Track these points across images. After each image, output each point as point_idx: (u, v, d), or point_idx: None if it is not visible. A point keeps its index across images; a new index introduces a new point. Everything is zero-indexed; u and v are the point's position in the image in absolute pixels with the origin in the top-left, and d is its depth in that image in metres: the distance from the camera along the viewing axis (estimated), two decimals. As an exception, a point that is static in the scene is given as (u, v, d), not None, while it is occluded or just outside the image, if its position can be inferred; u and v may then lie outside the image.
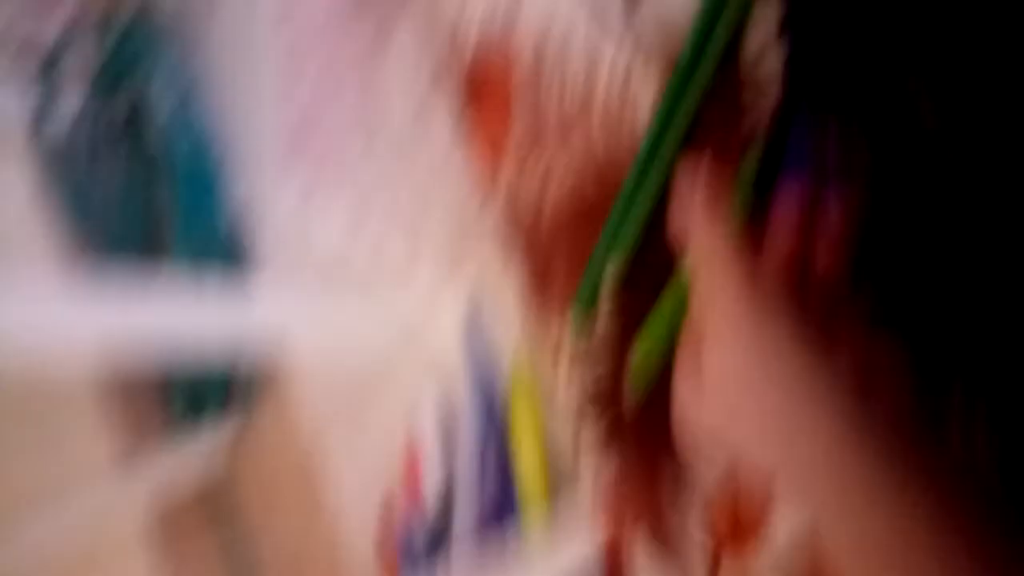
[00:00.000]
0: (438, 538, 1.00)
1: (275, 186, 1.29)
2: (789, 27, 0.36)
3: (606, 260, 0.42)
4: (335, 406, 1.24)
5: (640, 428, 0.44)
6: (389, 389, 1.17)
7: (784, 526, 0.39)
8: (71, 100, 1.35)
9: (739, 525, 0.40)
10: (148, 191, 1.36)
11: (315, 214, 1.23)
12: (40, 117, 1.26)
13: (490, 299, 1.05)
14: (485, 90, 0.50)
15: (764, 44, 0.36)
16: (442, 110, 1.08)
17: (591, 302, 0.44)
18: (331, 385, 1.24)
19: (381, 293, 1.09)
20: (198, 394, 1.33)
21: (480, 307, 1.03)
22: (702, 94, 0.38)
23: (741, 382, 0.32)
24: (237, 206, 1.34)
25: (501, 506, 0.94)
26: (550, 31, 0.45)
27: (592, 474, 0.50)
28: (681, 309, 0.39)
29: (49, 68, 1.32)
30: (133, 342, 0.84)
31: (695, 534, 0.43)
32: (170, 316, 0.84)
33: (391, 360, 1.14)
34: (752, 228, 0.34)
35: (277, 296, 1.11)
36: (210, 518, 1.37)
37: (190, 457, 1.30)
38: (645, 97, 0.41)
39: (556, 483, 0.98)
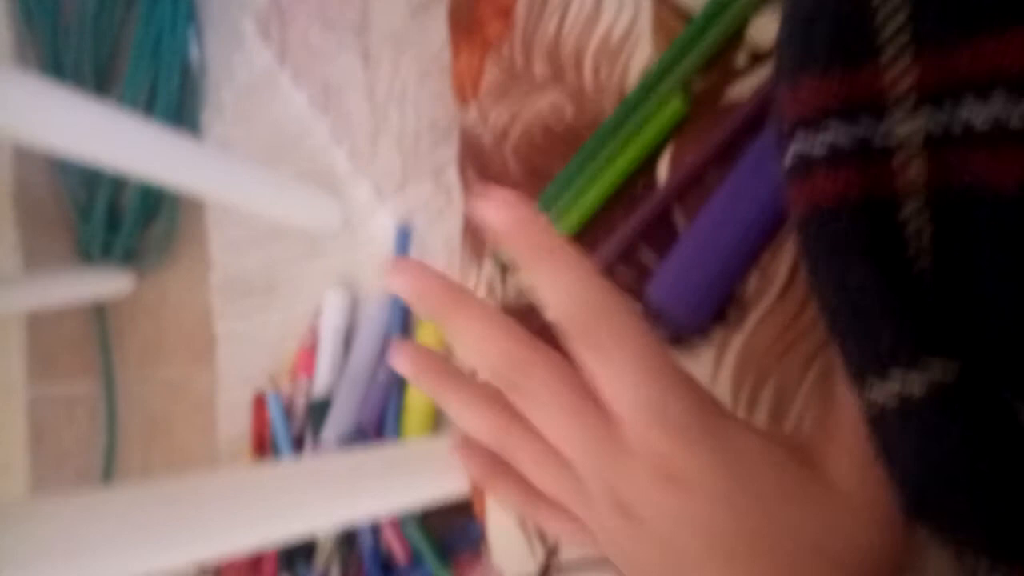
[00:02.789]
0: (312, 433, 1.00)
1: (238, 55, 1.24)
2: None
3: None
4: (244, 278, 1.21)
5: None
6: (300, 281, 1.15)
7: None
8: None
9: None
10: (115, 15, 1.29)
11: (274, 93, 1.19)
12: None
13: (423, 230, 1.02)
14: (478, 14, 0.47)
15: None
16: (427, 31, 1.04)
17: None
18: (246, 257, 1.20)
19: (320, 189, 1.06)
20: (110, 227, 1.28)
21: (411, 234, 1.01)
22: (687, 79, 0.36)
23: None
24: (196, 61, 1.29)
25: (378, 427, 0.94)
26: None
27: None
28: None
29: None
30: (66, 154, 0.79)
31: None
32: (107, 139, 0.79)
33: (311, 253, 1.12)
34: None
35: (218, 154, 1.06)
36: (87, 363, 1.34)
37: (85, 289, 1.25)
38: (638, 61, 0.39)
39: (441, 421, 0.97)
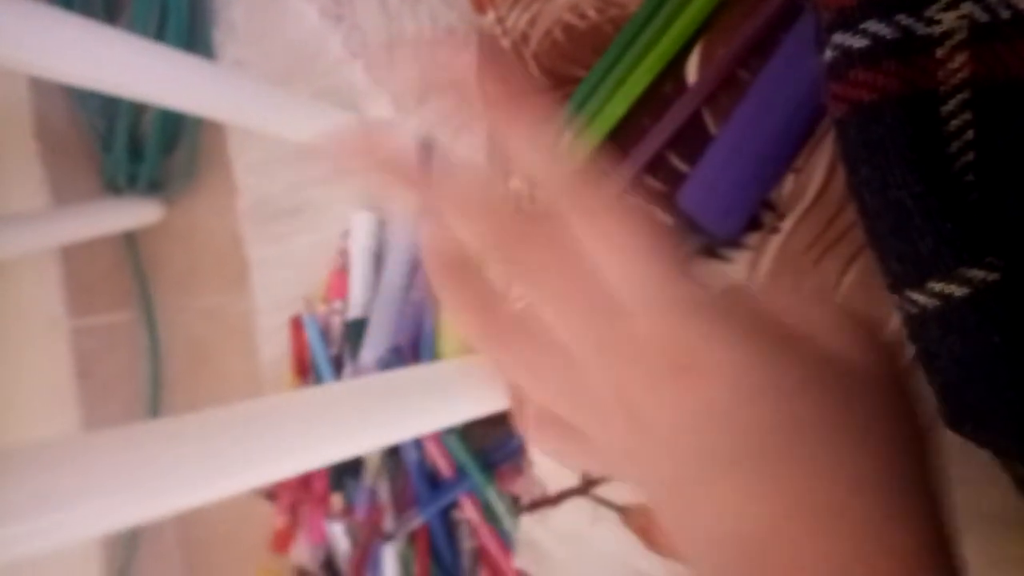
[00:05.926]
0: (350, 353, 1.01)
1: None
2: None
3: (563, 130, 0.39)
4: (271, 202, 1.20)
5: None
6: (327, 202, 1.14)
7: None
8: None
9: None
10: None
11: (284, 7, 1.15)
12: None
13: (445, 144, 1.00)
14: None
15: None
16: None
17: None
18: (271, 181, 1.19)
19: (339, 107, 1.04)
20: (133, 157, 1.28)
21: (433, 148, 0.98)
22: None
23: None
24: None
25: (414, 346, 0.94)
26: None
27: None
28: None
29: None
30: (81, 83, 0.78)
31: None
32: (121, 66, 0.78)
33: (335, 175, 1.10)
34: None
35: (233, 76, 1.04)
36: (124, 293, 1.35)
37: (114, 220, 1.26)
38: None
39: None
